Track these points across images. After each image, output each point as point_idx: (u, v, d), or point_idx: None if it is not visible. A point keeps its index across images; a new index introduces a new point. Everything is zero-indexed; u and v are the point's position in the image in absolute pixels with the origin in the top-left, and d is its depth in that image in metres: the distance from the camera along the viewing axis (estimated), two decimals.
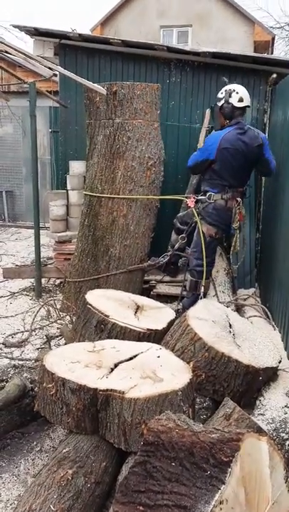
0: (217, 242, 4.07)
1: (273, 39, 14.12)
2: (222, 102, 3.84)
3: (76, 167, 5.24)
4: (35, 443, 2.62)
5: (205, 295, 3.95)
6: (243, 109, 3.86)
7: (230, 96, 3.80)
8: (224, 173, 3.76)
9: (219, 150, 3.69)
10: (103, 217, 4.18)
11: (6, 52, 3.84)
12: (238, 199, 3.80)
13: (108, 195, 4.12)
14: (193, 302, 3.67)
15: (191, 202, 3.93)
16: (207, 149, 3.80)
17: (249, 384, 2.66)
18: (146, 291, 4.54)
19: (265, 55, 5.58)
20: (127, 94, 3.93)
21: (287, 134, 3.85)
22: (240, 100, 3.80)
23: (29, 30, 5.15)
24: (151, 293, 4.56)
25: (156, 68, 5.20)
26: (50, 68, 4.08)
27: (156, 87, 4.08)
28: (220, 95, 3.90)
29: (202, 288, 3.89)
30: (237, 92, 3.81)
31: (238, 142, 3.71)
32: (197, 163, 3.91)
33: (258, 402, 2.67)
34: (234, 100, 3.80)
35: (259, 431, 1.96)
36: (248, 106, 3.90)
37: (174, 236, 4.45)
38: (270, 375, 2.83)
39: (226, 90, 3.86)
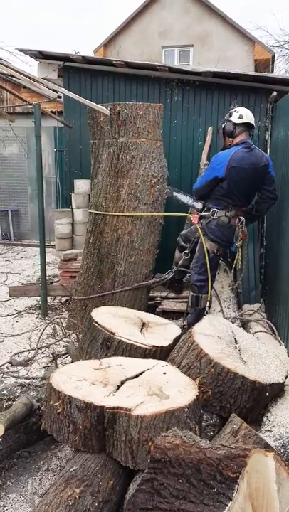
0: (219, 259, 4.08)
1: (273, 57, 14.34)
2: (224, 122, 3.90)
3: (81, 185, 5.32)
4: (42, 462, 2.61)
5: (208, 309, 3.96)
6: (245, 126, 3.84)
7: (230, 115, 3.88)
8: (231, 192, 3.76)
9: (228, 169, 3.68)
10: (108, 234, 4.22)
11: (12, 76, 3.94)
12: (241, 218, 3.82)
13: (113, 213, 4.17)
14: (196, 317, 3.67)
15: (194, 218, 3.96)
16: (215, 168, 3.78)
17: (256, 400, 2.65)
18: (151, 307, 4.55)
19: (265, 74, 5.68)
20: (130, 114, 4.01)
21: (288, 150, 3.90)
22: (240, 117, 3.82)
23: (34, 53, 5.29)
24: (157, 309, 4.57)
25: (158, 88, 5.31)
26: (54, 90, 4.17)
27: (159, 107, 4.16)
28: (227, 115, 3.96)
29: (207, 303, 3.89)
30: (237, 111, 3.86)
31: (245, 161, 3.71)
32: (205, 183, 3.88)
33: (265, 418, 2.66)
34: (234, 118, 3.84)
35: (266, 447, 1.95)
36: (250, 124, 3.88)
37: (177, 254, 4.48)
38: (277, 391, 2.81)
39: (229, 112, 3.94)
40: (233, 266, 3.95)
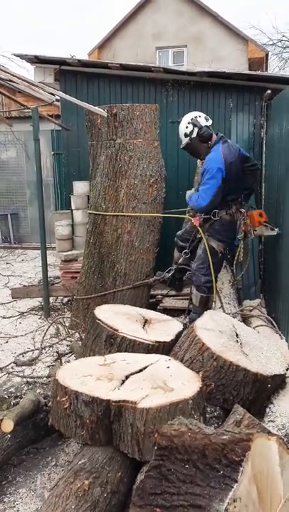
0: (224, 257, 4.14)
1: (267, 55, 14.44)
2: (195, 132, 3.85)
3: (80, 187, 5.37)
4: (50, 458, 2.66)
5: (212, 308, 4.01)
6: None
7: (197, 122, 3.85)
8: (228, 186, 3.81)
9: (227, 166, 3.73)
10: (108, 234, 4.27)
11: (11, 81, 4.00)
12: (242, 210, 3.87)
13: (112, 213, 4.22)
14: None
15: (196, 221, 3.99)
16: (219, 171, 3.73)
17: (258, 392, 2.70)
18: (152, 305, 4.60)
19: (258, 72, 5.74)
20: (126, 115, 4.06)
21: (284, 147, 3.96)
22: (207, 119, 3.90)
23: (30, 58, 5.35)
24: (158, 307, 4.62)
25: (154, 89, 5.37)
26: (52, 94, 4.23)
27: (155, 108, 4.21)
28: (187, 130, 3.87)
29: (213, 303, 3.96)
30: (199, 116, 3.89)
31: (232, 152, 3.81)
32: (217, 191, 3.75)
33: (267, 409, 2.71)
34: (203, 122, 3.86)
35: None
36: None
37: (176, 254, 4.50)
38: (279, 382, 2.86)
39: (188, 122, 3.88)
40: (236, 258, 3.99)
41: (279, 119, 4.28)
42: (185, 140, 3.94)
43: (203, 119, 3.87)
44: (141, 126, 4.10)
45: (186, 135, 3.91)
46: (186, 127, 3.89)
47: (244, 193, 4.03)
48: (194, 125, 3.85)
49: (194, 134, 3.87)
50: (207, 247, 3.88)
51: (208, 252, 3.87)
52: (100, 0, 27.70)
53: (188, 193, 4.26)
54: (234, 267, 4.23)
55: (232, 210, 3.86)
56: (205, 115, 3.93)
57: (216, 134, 3.91)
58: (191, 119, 3.87)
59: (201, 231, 3.92)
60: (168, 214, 4.41)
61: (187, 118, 3.92)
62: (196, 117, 3.88)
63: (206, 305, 3.97)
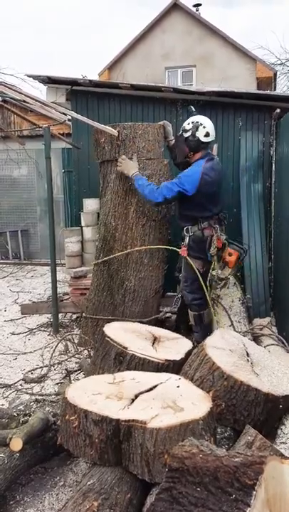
0: (207, 273, 3.96)
1: (275, 75, 14.60)
2: (188, 134, 3.83)
3: (90, 204, 5.42)
4: (58, 478, 2.63)
5: (217, 324, 3.98)
6: (209, 143, 3.90)
7: (197, 130, 3.80)
8: (202, 204, 3.78)
9: (200, 186, 3.69)
10: (117, 251, 4.28)
11: (24, 101, 4.07)
12: (216, 226, 3.83)
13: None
14: (204, 334, 3.69)
15: (183, 251, 3.93)
16: (187, 184, 3.71)
17: (269, 412, 2.66)
18: (161, 322, 4.56)
19: (267, 92, 5.81)
20: (129, 134, 4.10)
21: None
22: (207, 135, 3.81)
23: (42, 78, 5.47)
24: (166, 324, 4.58)
25: (163, 109, 5.44)
26: (64, 113, 4.31)
27: (159, 126, 4.25)
28: (187, 126, 3.88)
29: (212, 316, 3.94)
30: (204, 127, 3.80)
31: (212, 173, 3.77)
32: (175, 196, 3.76)
33: (279, 430, 2.66)
34: (201, 134, 3.80)
35: (282, 457, 1.96)
36: (213, 140, 3.94)
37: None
38: None
39: (192, 123, 3.84)
40: (210, 273, 3.85)
41: (288, 137, 4.31)
42: (180, 132, 3.97)
43: (202, 132, 3.80)
44: (143, 144, 4.13)
45: (182, 129, 3.93)
46: (188, 124, 3.88)
47: (220, 212, 3.96)
48: (192, 129, 3.82)
49: (186, 135, 3.86)
50: (190, 265, 3.85)
51: (191, 270, 3.84)
52: (105, 24, 28.45)
53: (140, 179, 3.92)
54: (243, 285, 4.16)
55: (203, 224, 3.81)
56: (209, 131, 3.82)
57: (208, 153, 3.89)
58: (196, 122, 3.83)
59: (186, 255, 3.85)
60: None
61: (196, 118, 3.88)
62: (200, 124, 3.81)
63: (201, 322, 3.94)
